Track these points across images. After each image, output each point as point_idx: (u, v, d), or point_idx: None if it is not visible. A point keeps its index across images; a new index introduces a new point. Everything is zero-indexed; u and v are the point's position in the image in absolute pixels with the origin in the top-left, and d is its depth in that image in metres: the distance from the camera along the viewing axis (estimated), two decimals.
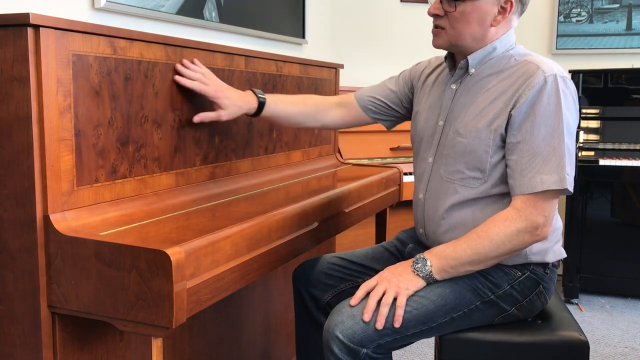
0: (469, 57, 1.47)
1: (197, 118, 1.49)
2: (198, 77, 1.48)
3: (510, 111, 1.37)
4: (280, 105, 1.66)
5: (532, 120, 1.35)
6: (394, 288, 1.36)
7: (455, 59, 1.54)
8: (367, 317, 1.33)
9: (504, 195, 1.43)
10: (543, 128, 1.34)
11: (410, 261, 1.42)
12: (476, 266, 1.38)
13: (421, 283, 1.39)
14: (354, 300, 1.38)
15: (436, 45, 1.49)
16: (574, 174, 1.37)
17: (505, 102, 1.39)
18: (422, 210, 1.55)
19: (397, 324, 1.34)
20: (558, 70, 1.38)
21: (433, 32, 1.48)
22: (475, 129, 1.41)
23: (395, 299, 1.35)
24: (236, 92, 1.57)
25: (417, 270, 1.39)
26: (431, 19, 1.47)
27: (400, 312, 1.34)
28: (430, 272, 1.38)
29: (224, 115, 1.52)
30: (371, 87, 1.79)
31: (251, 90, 1.62)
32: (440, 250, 1.40)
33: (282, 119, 1.69)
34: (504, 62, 1.45)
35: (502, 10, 1.42)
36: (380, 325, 1.33)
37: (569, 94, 1.38)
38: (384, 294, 1.36)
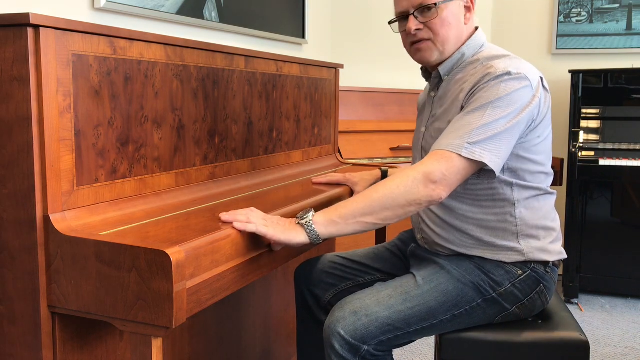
0: (439, 68, 1.53)
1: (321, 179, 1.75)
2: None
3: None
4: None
5: (467, 103, 1.38)
6: (256, 216, 1.27)
7: (429, 69, 1.59)
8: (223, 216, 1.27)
9: (489, 187, 1.43)
10: (472, 106, 1.35)
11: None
12: (368, 217, 1.29)
13: (297, 231, 1.28)
14: (223, 215, 1.29)
15: (427, 58, 1.51)
16: (497, 157, 1.31)
17: (463, 101, 1.42)
18: (416, 215, 1.58)
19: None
20: (515, 68, 1.37)
21: (418, 47, 1.51)
22: (445, 128, 1.44)
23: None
24: (361, 173, 1.82)
25: (299, 217, 1.30)
26: None
27: (250, 228, 1.25)
28: (312, 219, 1.29)
29: (357, 189, 1.80)
30: None
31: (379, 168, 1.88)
32: (334, 205, 1.34)
33: None
34: (471, 67, 1.47)
35: (467, 9, 1.50)
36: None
37: (523, 88, 1.35)
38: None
